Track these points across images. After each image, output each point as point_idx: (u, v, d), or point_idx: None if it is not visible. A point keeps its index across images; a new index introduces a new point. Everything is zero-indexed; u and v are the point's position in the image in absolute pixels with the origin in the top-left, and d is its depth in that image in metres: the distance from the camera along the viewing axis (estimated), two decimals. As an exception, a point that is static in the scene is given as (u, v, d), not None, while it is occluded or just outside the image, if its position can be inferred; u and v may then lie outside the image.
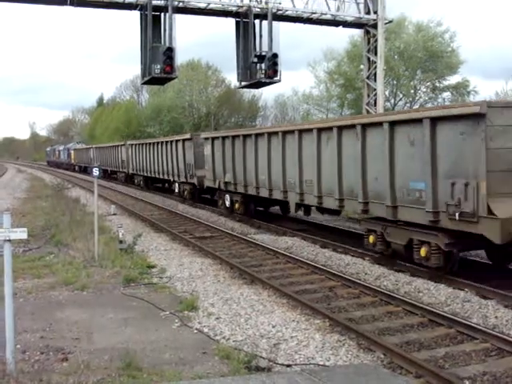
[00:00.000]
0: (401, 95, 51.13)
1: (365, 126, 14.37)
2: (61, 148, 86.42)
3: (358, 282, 12.12)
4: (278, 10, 25.29)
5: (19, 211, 25.03)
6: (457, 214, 11.35)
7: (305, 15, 26.36)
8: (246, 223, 21.93)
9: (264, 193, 20.46)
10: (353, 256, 15.11)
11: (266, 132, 20.47)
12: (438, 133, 11.90)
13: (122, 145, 47.18)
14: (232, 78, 70.96)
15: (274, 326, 9.39)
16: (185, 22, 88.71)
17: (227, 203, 24.09)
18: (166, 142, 34.18)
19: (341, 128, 15.48)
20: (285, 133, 18.84)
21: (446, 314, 9.65)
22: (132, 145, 43.29)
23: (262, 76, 24.92)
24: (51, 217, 21.85)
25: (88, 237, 15.87)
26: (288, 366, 7.75)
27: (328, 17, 26.73)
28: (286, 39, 57.11)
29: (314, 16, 26.40)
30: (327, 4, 26.18)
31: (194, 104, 70.41)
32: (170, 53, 22.68)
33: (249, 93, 69.97)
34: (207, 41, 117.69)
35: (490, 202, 10.81)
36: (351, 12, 26.91)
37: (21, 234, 7.33)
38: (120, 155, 47.20)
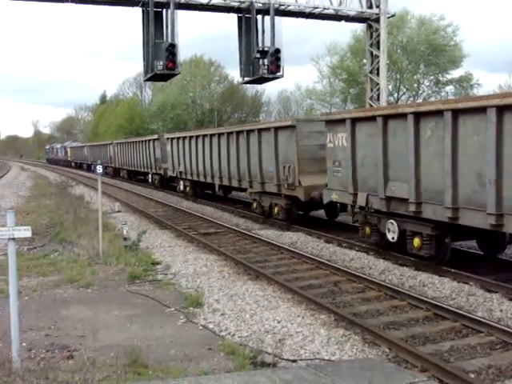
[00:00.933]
0: (404, 89, 51.06)
1: (248, 132, 22.26)
2: (58, 146, 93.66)
3: (363, 276, 12.12)
4: (281, 5, 25.17)
5: (23, 209, 25.11)
6: (286, 185, 19.05)
7: (307, 10, 26.25)
8: (249, 219, 21.97)
9: (202, 178, 28.09)
10: (357, 251, 15.11)
11: (201, 135, 27.94)
12: (278, 137, 19.76)
13: (109, 143, 53.66)
14: (235, 73, 71.09)
15: (279, 322, 9.39)
16: (187, 18, 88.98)
17: (181, 187, 31.79)
18: (142, 141, 40.82)
19: (238, 133, 23.22)
20: (211, 135, 26.34)
21: (451, 308, 9.65)
22: (117, 143, 48.71)
23: (265, 71, 24.79)
24: (55, 215, 21.91)
25: (92, 234, 15.91)
26: (293, 361, 7.76)
27: (330, 11, 26.59)
28: (292, 35, 57.17)
29: (317, 11, 26.27)
30: (329, -2, 26.08)
31: (198, 100, 70.40)
32: (172, 49, 22.59)
33: (252, 88, 70.11)
34: (210, 37, 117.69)
35: (300, 177, 18.57)
36: (353, 6, 26.75)
37: (25, 232, 7.34)
38: (108, 152, 53.45)
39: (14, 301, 7.23)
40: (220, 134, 25.27)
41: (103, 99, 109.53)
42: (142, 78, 41.44)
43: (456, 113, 11.37)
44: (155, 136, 38.51)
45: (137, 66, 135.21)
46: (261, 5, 24.69)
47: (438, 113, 11.82)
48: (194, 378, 6.89)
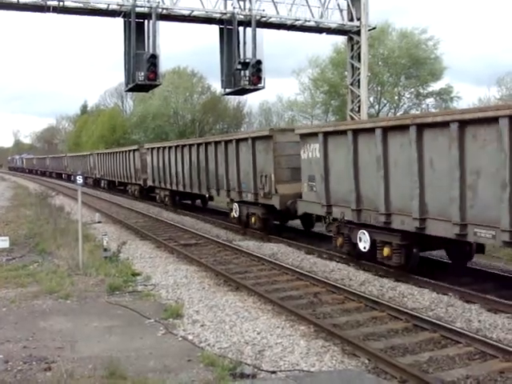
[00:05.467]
0: (385, 101, 51.43)
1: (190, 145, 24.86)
2: (17, 157, 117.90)
3: (343, 287, 12.14)
4: (262, 16, 25.36)
5: (2, 220, 24.87)
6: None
7: (288, 22, 26.45)
8: (231, 230, 21.92)
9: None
10: (338, 262, 15.14)
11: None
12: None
13: (48, 157, 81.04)
14: (217, 85, 71.00)
15: (258, 333, 9.37)
16: (171, 30, 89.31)
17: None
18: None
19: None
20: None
21: (430, 319, 9.70)
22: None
23: (246, 83, 24.96)
24: (35, 225, 21.74)
25: (72, 245, 15.79)
26: (273, 372, 7.74)
27: (312, 24, 26.84)
28: (278, 47, 57.45)
29: (298, 23, 26.50)
30: (311, 11, 26.30)
31: (180, 111, 70.34)
32: (153, 60, 22.68)
33: (234, 100, 70.19)
34: (192, 48, 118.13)
35: None
36: (335, 19, 27.04)
37: (2, 242, 7.30)
38: (46, 163, 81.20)
39: (-9, 312, 7.16)
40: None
41: (84, 109, 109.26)
42: (123, 89, 41.05)
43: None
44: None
45: (118, 76, 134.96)
46: (242, 16, 24.88)
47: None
48: (172, 390, 6.87)
